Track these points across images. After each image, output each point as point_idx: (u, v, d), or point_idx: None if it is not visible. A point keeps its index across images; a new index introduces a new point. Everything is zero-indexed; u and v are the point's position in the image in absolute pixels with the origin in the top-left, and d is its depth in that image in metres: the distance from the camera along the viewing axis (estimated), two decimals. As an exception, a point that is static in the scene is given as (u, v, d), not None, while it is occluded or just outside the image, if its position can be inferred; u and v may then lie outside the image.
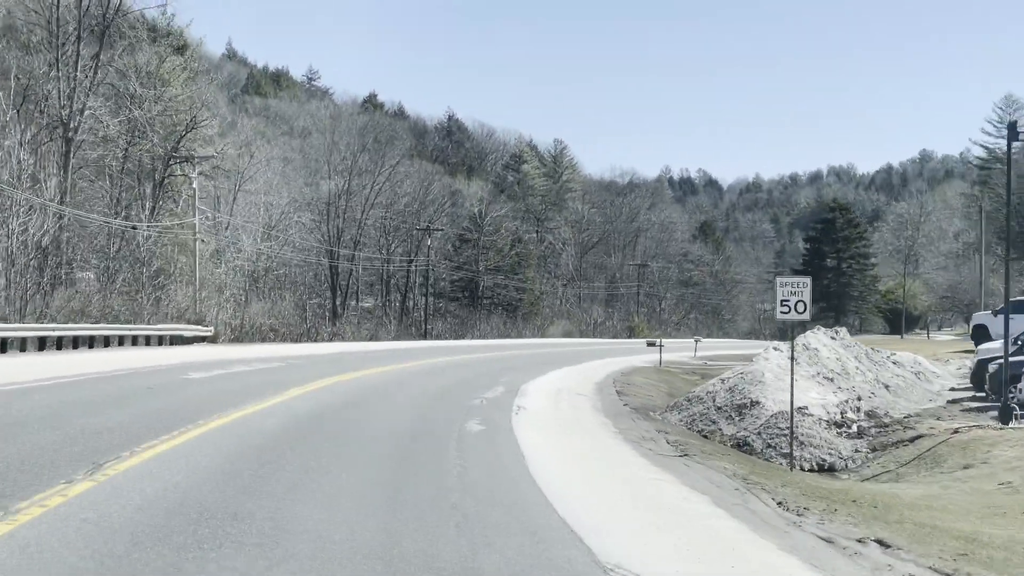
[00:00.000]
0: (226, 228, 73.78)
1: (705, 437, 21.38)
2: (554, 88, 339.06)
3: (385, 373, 29.05)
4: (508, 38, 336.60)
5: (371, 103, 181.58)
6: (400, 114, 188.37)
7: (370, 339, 67.39)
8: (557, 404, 22.55)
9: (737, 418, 21.63)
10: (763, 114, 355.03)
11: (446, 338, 79.30)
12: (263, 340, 52.70)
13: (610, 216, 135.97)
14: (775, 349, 25.22)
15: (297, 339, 56.10)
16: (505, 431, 16.02)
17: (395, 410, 18.29)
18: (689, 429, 21.98)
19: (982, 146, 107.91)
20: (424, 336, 77.76)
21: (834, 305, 62.27)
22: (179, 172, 58.50)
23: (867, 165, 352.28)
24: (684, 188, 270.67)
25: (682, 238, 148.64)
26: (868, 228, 78.76)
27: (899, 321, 72.20)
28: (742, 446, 20.57)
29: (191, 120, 59.82)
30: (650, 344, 52.87)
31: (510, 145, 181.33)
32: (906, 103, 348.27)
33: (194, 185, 52.98)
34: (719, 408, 22.33)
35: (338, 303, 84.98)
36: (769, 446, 19.93)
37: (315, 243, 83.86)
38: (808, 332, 26.35)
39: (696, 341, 63.46)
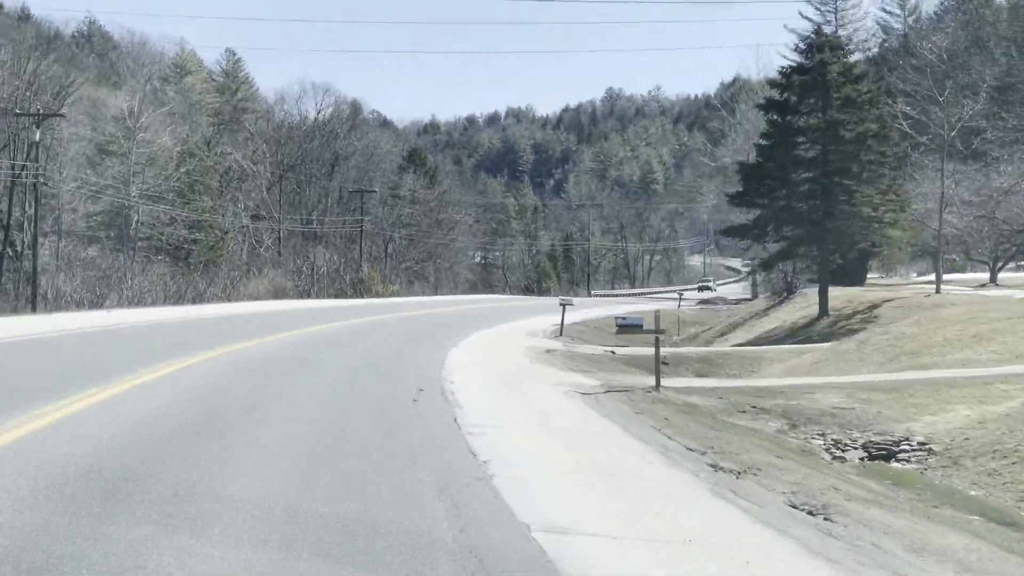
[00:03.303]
0: None
1: None
2: None
3: None
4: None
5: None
6: (24, 17, 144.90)
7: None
8: None
9: None
10: (437, 53, 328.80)
11: (74, 306, 44.08)
12: None
13: (302, 140, 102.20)
14: None
15: None
16: None
17: None
18: None
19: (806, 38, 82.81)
20: (32, 305, 42.29)
21: (818, 234, 33.66)
22: None
23: (547, 106, 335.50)
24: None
25: (390, 168, 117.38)
26: (883, 83, 45.56)
27: (860, 267, 43.12)
28: None
29: None
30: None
31: (170, 56, 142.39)
32: (588, 44, 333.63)
33: None
34: None
35: None
36: None
37: None
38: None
39: (563, 306, 33.88)
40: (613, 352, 27.16)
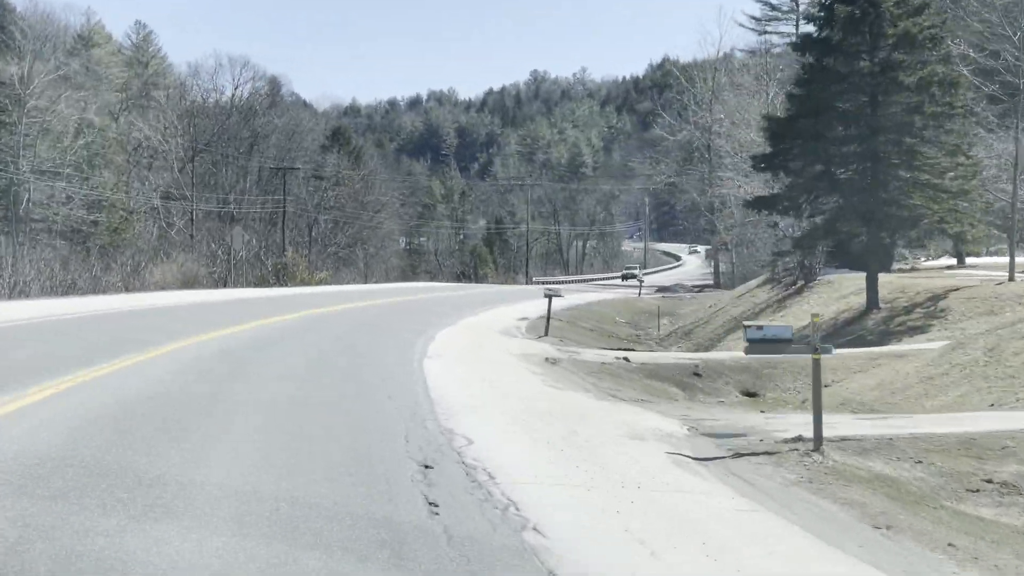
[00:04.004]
0: None
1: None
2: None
3: None
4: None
5: None
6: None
7: None
8: None
9: None
10: (357, 36, 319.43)
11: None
12: None
13: (218, 115, 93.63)
14: None
15: None
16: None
17: None
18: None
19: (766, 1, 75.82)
20: None
21: (865, 206, 26.76)
22: None
23: (470, 89, 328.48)
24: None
25: (312, 147, 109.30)
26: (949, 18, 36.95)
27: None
28: None
29: None
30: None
31: (76, 27, 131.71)
32: (512, 26, 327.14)
33: None
34: None
35: None
36: None
37: None
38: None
39: (548, 297, 27.34)
40: (627, 359, 20.67)
